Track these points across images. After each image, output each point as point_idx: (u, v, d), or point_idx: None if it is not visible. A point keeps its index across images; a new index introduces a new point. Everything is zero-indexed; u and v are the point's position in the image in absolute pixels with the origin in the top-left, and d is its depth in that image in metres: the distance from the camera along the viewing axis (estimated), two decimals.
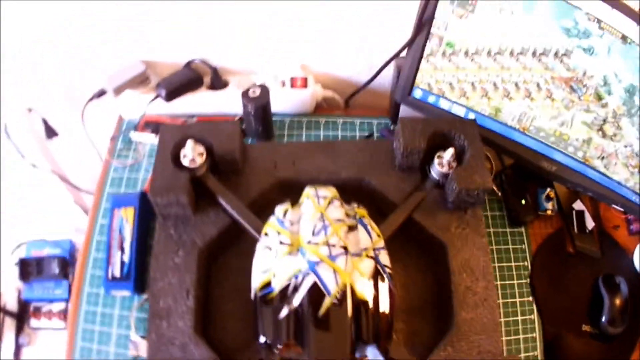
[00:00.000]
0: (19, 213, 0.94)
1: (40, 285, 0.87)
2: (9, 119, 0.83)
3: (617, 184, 0.73)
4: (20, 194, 0.92)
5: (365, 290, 0.56)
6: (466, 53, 0.66)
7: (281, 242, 0.58)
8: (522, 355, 0.69)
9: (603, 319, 0.72)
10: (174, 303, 0.60)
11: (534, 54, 0.65)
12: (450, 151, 0.64)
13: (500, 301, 0.70)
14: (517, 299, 0.71)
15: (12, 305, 0.91)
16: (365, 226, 0.60)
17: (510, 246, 0.73)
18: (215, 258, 0.64)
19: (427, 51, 0.66)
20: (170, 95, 0.70)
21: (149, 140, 0.74)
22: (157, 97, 0.70)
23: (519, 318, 0.70)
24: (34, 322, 0.90)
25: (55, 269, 0.85)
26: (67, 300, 0.86)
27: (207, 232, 0.62)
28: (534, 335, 0.70)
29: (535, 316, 0.70)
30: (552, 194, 0.76)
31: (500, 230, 0.73)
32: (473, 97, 0.69)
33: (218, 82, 0.71)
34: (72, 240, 0.82)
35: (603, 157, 0.72)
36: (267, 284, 0.57)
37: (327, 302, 0.55)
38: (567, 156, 0.72)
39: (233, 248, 0.65)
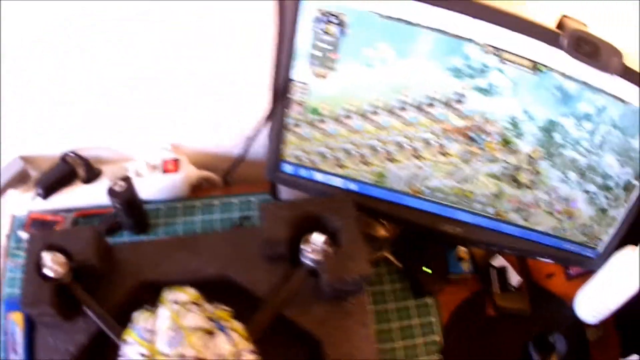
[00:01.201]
0: None
1: None
2: None
3: (543, 234, 0.64)
4: None
5: None
6: (335, 118, 0.58)
7: (140, 354, 0.55)
8: None
9: None
10: None
11: (417, 106, 0.55)
12: (319, 237, 0.57)
13: None
14: None
15: None
16: (224, 330, 0.56)
17: (417, 321, 0.65)
18: None
19: (290, 121, 0.59)
20: (47, 192, 0.68)
21: None
22: (36, 195, 0.68)
23: None
24: None
25: None
26: None
27: (79, 339, 0.59)
28: None
29: None
30: (465, 254, 0.67)
31: (403, 305, 0.66)
32: (350, 165, 0.61)
33: (91, 174, 0.68)
34: None
35: (520, 209, 0.62)
36: None
37: None
38: (475, 215, 0.63)
39: (110, 354, 0.63)
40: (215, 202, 0.74)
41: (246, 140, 0.66)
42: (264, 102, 0.63)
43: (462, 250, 0.67)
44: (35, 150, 0.71)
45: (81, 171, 0.67)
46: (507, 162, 0.59)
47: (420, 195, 0.62)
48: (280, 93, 0.57)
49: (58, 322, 0.60)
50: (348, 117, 0.58)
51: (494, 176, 0.61)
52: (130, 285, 0.61)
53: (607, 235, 0.64)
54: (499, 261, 0.68)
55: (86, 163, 0.68)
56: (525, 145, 0.57)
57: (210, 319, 0.57)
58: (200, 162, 0.76)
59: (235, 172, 0.75)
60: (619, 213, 0.61)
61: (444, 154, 0.59)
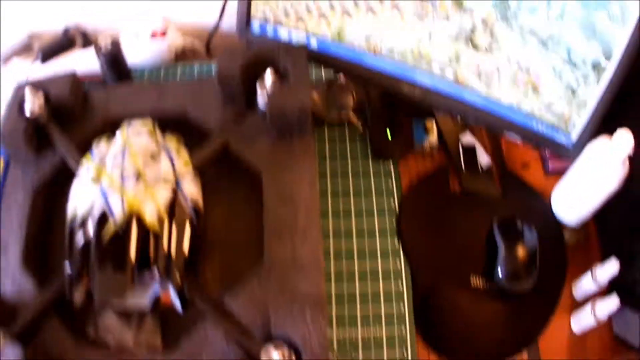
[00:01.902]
0: None
1: None
2: None
3: (509, 108, 0.60)
4: None
5: (157, 221, 0.53)
6: None
7: (88, 170, 0.57)
8: (386, 311, 0.58)
9: (498, 272, 0.58)
10: (10, 236, 0.62)
11: None
12: (269, 74, 0.58)
13: (355, 244, 0.61)
14: (379, 245, 0.61)
15: None
16: (168, 152, 0.57)
17: (374, 183, 0.64)
18: (54, 199, 0.65)
19: None
20: (46, 57, 0.74)
21: None
22: (35, 59, 0.75)
23: (379, 267, 0.60)
24: None
25: None
26: None
27: (42, 172, 0.64)
28: (399, 288, 0.59)
29: (401, 265, 0.59)
30: (432, 126, 0.64)
31: (362, 169, 0.64)
32: (310, 20, 0.62)
33: (88, 43, 0.74)
34: None
35: (480, 75, 0.59)
36: (74, 217, 0.56)
37: (109, 230, 0.53)
38: (435, 77, 0.60)
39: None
40: (195, 68, 0.78)
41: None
42: None
43: (430, 122, 0.64)
44: (41, 27, 0.79)
45: (79, 40, 0.74)
46: (461, 23, 0.57)
47: (379, 54, 0.61)
48: None
49: (29, 157, 0.64)
50: None
51: (449, 37, 0.59)
52: (98, 122, 0.65)
53: (579, 119, 0.58)
54: (468, 139, 0.64)
55: (84, 34, 0.74)
56: (479, 8, 0.55)
57: (158, 144, 0.58)
58: (188, 34, 0.80)
59: (216, 41, 0.78)
60: (590, 95, 0.56)
61: (398, 10, 0.59)
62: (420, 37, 0.59)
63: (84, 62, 0.77)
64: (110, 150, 0.58)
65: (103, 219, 0.53)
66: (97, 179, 0.57)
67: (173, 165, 0.56)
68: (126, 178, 0.54)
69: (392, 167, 0.64)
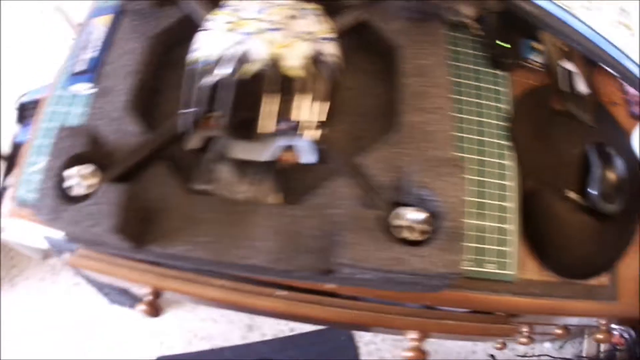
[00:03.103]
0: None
1: None
2: None
3: (611, 45, 0.63)
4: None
5: (298, 70, 0.51)
6: None
7: (224, 22, 0.55)
8: (492, 202, 0.60)
9: (594, 190, 0.60)
10: (119, 82, 0.59)
11: None
12: None
13: (474, 137, 0.63)
14: (495, 140, 0.63)
15: (7, 149, 0.93)
16: (315, 15, 0.56)
17: (491, 85, 0.65)
18: (168, 51, 0.62)
19: None
20: None
21: None
22: None
23: (496, 160, 0.62)
24: None
25: None
26: None
27: (160, 24, 0.61)
28: (511, 183, 0.61)
29: (513, 163, 0.62)
30: (539, 47, 0.67)
31: (480, 69, 0.66)
32: None
33: None
34: None
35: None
36: (202, 59, 0.54)
37: (252, 67, 0.51)
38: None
39: (187, 43, 0.63)
40: None
41: None
42: None
43: (537, 43, 0.68)
44: None
45: None
46: None
47: None
48: None
49: (143, 8, 0.61)
50: None
51: None
52: None
53: None
54: (568, 65, 0.67)
55: None
56: None
57: (299, 6, 0.57)
58: None
59: None
60: None
61: None
62: None
63: None
64: (247, 6, 0.56)
65: (244, 59, 0.51)
66: (233, 29, 0.55)
67: (317, 25, 0.55)
68: (270, 28, 0.53)
69: (504, 75, 0.66)
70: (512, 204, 0.60)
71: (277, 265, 0.49)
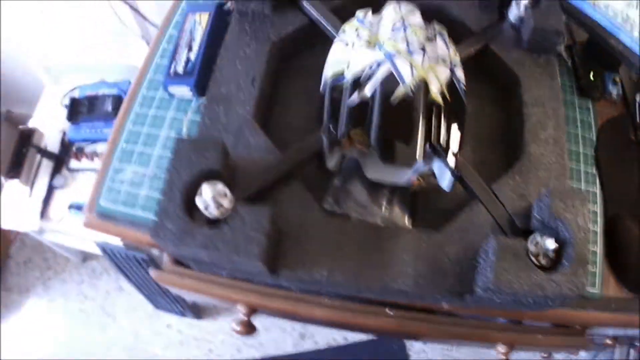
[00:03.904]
0: (79, 49, 0.88)
1: (88, 125, 0.81)
2: None
3: None
4: (88, 27, 0.86)
5: (439, 94, 0.51)
6: None
7: (359, 37, 0.53)
8: None
9: None
10: (236, 90, 0.55)
11: None
12: None
13: None
14: (582, 167, 0.64)
15: (55, 147, 0.85)
16: (444, 39, 0.55)
17: (578, 115, 0.67)
18: (287, 58, 0.60)
19: None
20: None
21: None
22: None
23: (582, 187, 0.63)
24: (74, 163, 0.83)
25: (109, 106, 0.79)
26: None
27: (283, 29, 0.59)
28: (595, 208, 0.63)
29: (597, 189, 0.63)
30: (618, 80, 0.71)
31: (567, 98, 0.67)
32: None
33: None
34: (131, 81, 0.75)
35: None
36: (340, 74, 0.52)
37: (400, 90, 0.49)
38: (634, 39, 0.66)
39: (306, 51, 0.61)
40: None
41: None
42: None
43: (616, 76, 0.70)
44: None
45: None
46: None
47: (597, 7, 0.66)
48: None
49: (264, 11, 0.58)
50: None
51: None
52: None
53: None
54: None
55: None
56: None
57: (432, 28, 0.56)
58: None
59: None
60: None
61: None
62: (629, 2, 0.65)
63: None
64: (383, 21, 0.55)
65: (388, 80, 0.50)
66: (372, 44, 0.53)
67: (448, 49, 0.55)
68: (413, 51, 0.52)
69: (591, 104, 0.68)
70: (597, 228, 0.63)
71: (420, 290, 0.48)
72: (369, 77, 0.51)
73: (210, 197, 0.46)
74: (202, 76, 0.60)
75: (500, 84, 0.61)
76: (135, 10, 0.85)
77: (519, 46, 0.60)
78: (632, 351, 0.91)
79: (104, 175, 0.58)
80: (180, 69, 0.60)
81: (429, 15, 0.58)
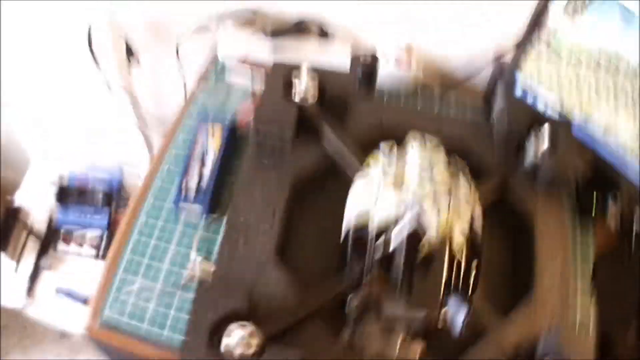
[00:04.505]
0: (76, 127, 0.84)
1: (78, 209, 0.77)
2: (95, 32, 0.76)
3: None
4: (84, 111, 0.83)
5: (461, 242, 0.51)
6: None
7: (385, 175, 0.52)
8: None
9: None
10: (256, 221, 0.53)
11: None
12: (546, 135, 0.60)
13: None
14: (579, 287, 0.64)
15: (41, 226, 0.79)
16: (466, 176, 0.55)
17: (579, 236, 0.67)
18: (304, 192, 0.59)
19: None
20: (276, 33, 0.66)
21: (245, 80, 0.69)
22: (261, 32, 0.65)
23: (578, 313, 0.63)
24: (62, 246, 0.78)
25: (99, 200, 0.75)
26: (105, 228, 0.75)
27: (303, 164, 0.58)
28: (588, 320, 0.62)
29: (594, 311, 0.63)
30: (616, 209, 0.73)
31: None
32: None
33: (324, 34, 0.68)
34: (121, 175, 0.73)
35: None
36: (365, 223, 0.51)
37: (426, 248, 0.49)
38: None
39: (324, 186, 0.60)
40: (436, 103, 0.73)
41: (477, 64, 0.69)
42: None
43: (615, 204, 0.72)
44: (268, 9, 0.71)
45: (314, 29, 0.66)
46: None
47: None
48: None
49: (283, 147, 0.56)
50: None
51: None
52: (370, 129, 0.60)
53: None
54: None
55: (320, 26, 0.67)
56: None
57: (454, 165, 0.56)
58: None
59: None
60: None
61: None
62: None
63: (316, 51, 0.70)
64: (410, 160, 0.54)
65: (415, 235, 0.49)
66: (398, 185, 0.52)
67: (470, 191, 0.55)
68: (439, 194, 0.51)
69: (591, 227, 0.68)
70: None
71: None
72: (400, 227, 0.50)
73: (240, 338, 0.46)
74: (215, 196, 0.58)
75: (513, 218, 0.61)
76: (135, 102, 0.83)
77: (532, 184, 0.61)
78: None
79: (110, 284, 0.56)
80: (191, 190, 0.58)
81: (449, 148, 0.59)
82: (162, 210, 0.60)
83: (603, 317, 0.64)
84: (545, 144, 0.61)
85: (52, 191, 0.78)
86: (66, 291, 0.75)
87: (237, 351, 0.46)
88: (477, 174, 0.60)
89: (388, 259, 0.50)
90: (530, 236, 0.59)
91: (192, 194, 0.57)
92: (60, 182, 0.77)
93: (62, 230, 0.80)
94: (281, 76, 0.59)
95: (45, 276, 0.78)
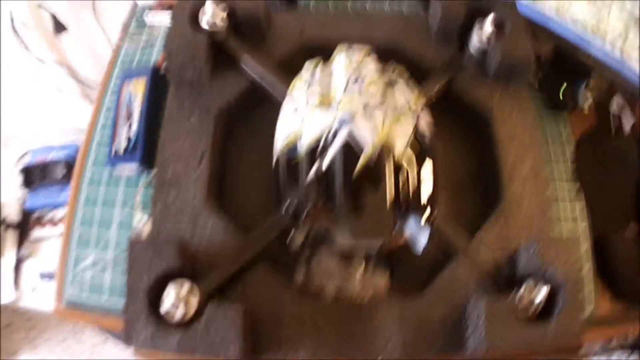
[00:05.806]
0: (24, 114, 0.81)
1: (44, 191, 0.75)
2: (16, 14, 0.71)
3: None
4: (25, 91, 0.80)
5: (405, 152, 0.45)
6: None
7: (311, 95, 0.46)
8: None
9: None
10: (185, 170, 0.49)
11: None
12: (490, 21, 0.52)
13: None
14: (565, 181, 0.58)
15: (15, 217, 0.78)
16: (405, 82, 0.48)
17: (554, 127, 0.61)
18: (233, 126, 0.53)
19: None
20: None
21: (165, 21, 0.62)
22: None
23: (567, 202, 0.58)
24: (37, 231, 0.77)
25: (60, 173, 0.73)
26: None
27: (225, 96, 0.51)
28: (583, 223, 0.57)
29: (582, 203, 0.58)
30: (589, 89, 0.65)
31: (543, 112, 0.61)
32: None
33: None
34: (78, 145, 0.70)
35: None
36: (293, 146, 0.45)
37: (361, 161, 0.43)
38: (605, 51, 0.60)
39: (253, 116, 0.54)
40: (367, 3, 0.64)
41: None
42: None
43: (589, 87, 0.63)
44: None
45: None
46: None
47: (564, 21, 0.59)
48: None
49: (201, 79, 0.50)
50: None
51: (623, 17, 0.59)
52: (291, 48, 0.53)
53: None
54: (619, 101, 0.66)
55: None
56: None
57: (389, 73, 0.49)
58: None
59: None
60: None
61: None
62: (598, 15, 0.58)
63: None
64: (336, 73, 0.48)
65: (347, 149, 0.44)
66: (325, 104, 0.46)
67: (408, 93, 0.48)
68: (371, 107, 0.45)
69: (564, 116, 0.62)
70: (586, 244, 0.57)
71: (412, 357, 0.44)
72: (325, 146, 0.44)
73: (177, 298, 0.42)
74: (147, 151, 0.53)
75: (469, 122, 0.54)
76: (72, 72, 0.78)
77: (485, 79, 0.53)
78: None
79: (66, 262, 0.54)
80: (122, 147, 0.53)
81: (384, 56, 0.51)
82: (102, 176, 0.56)
83: (595, 219, 0.58)
84: (489, 28, 0.53)
85: (19, 179, 0.76)
86: (49, 274, 0.75)
87: (179, 312, 0.42)
88: (420, 76, 0.53)
89: (327, 184, 0.44)
90: (491, 139, 0.52)
91: (122, 152, 0.53)
92: (23, 165, 0.75)
93: (34, 215, 0.79)
94: (187, 7, 0.52)
95: (27, 265, 0.77)
